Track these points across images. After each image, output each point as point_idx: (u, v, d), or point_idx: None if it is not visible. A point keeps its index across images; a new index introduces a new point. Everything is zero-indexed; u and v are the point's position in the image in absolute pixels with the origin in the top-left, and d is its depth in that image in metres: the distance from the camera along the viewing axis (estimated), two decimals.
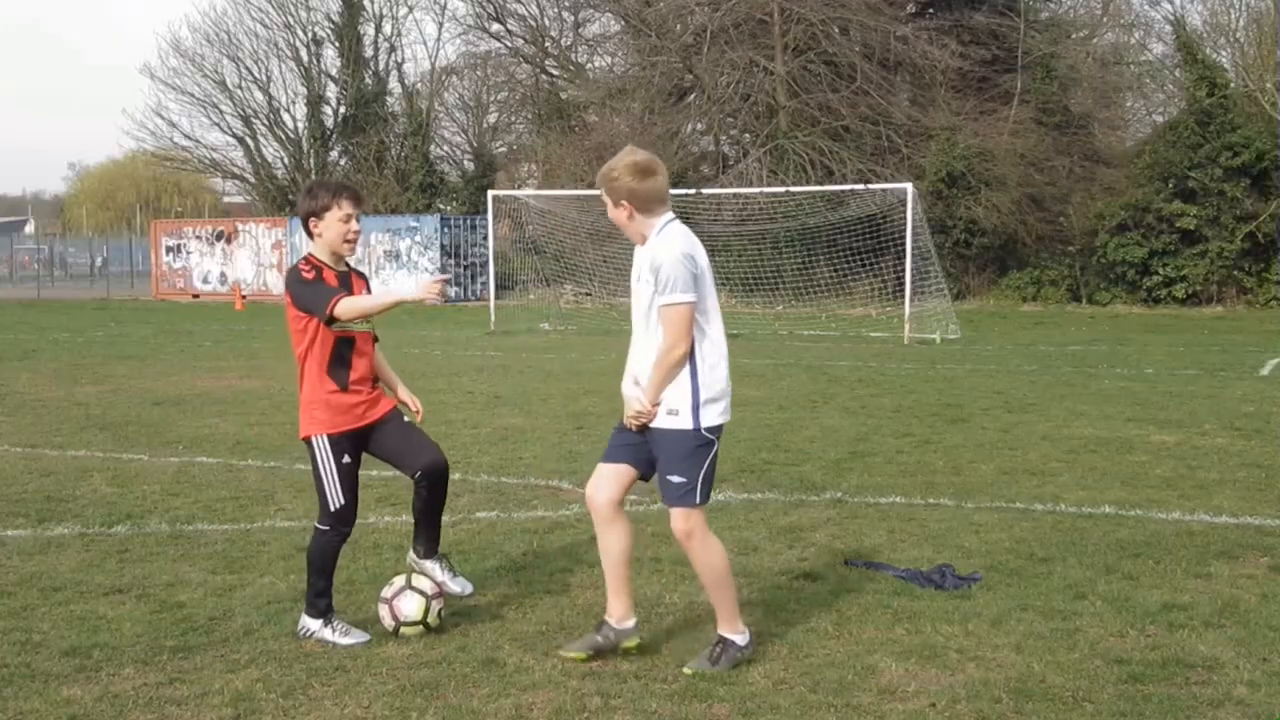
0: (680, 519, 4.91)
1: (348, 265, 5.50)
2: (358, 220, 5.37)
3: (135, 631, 5.36)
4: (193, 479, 8.84)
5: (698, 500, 4.90)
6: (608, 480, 5.03)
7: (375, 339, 5.51)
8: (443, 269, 38.12)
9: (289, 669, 4.92)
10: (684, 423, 4.86)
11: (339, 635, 5.24)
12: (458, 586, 5.55)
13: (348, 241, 5.35)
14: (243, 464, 9.48)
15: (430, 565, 5.53)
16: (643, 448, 4.99)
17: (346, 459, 5.31)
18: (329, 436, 5.29)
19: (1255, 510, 7.69)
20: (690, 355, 4.85)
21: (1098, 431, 11.00)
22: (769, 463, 9.44)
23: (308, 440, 5.35)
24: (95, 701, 4.57)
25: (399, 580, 5.39)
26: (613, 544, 5.03)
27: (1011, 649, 5.09)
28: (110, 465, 9.40)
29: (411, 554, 5.61)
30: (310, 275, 5.28)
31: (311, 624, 5.29)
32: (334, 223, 5.31)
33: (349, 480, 5.32)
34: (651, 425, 4.91)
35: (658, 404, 4.87)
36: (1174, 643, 5.14)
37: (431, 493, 5.45)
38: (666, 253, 4.81)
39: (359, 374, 5.38)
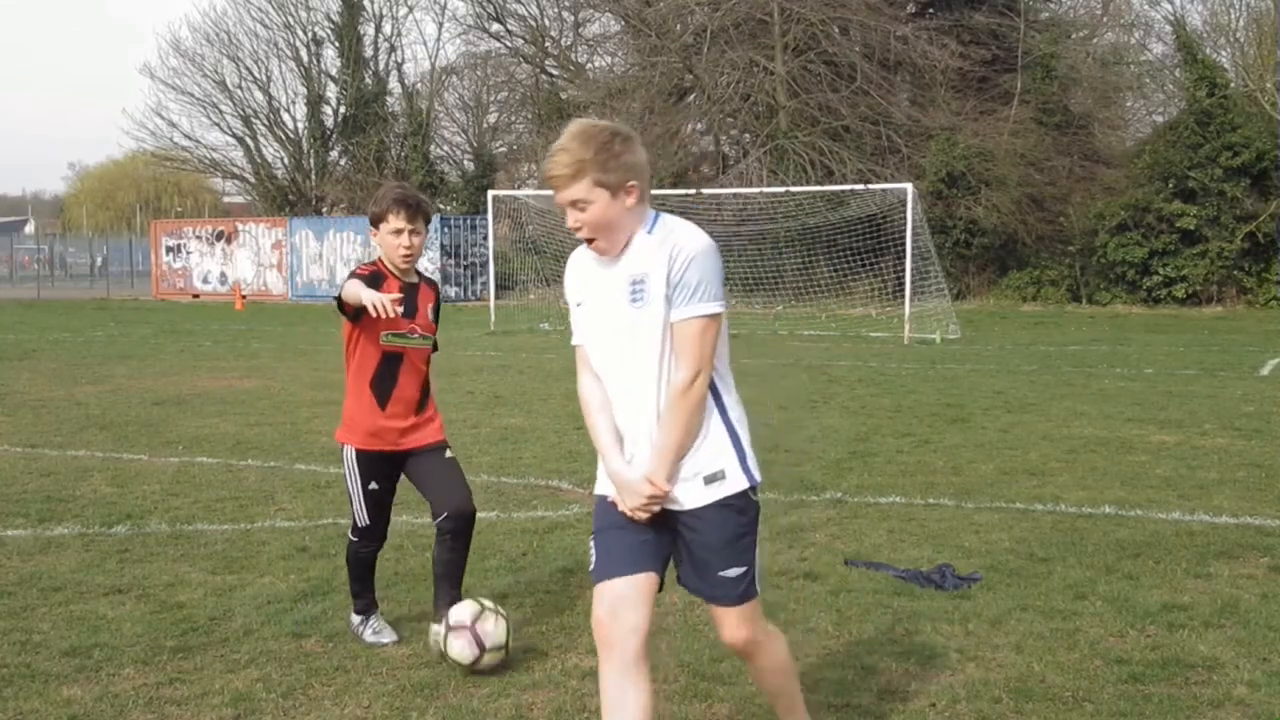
0: (743, 622, 3.55)
1: (419, 275, 5.26)
2: (415, 235, 5.07)
3: (135, 631, 5.36)
4: (193, 479, 8.84)
5: (759, 588, 3.58)
6: (633, 601, 3.43)
7: (433, 351, 5.29)
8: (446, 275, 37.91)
9: (289, 669, 4.91)
10: (735, 485, 3.48)
11: (368, 632, 5.25)
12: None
13: (401, 255, 5.09)
14: (243, 464, 9.47)
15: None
16: (663, 541, 3.53)
17: (374, 485, 5.12)
18: (357, 451, 5.12)
19: (1255, 510, 7.69)
20: (712, 385, 3.48)
21: (1098, 431, 11.00)
22: (769, 463, 9.35)
23: (341, 446, 5.22)
24: (95, 701, 4.57)
25: (467, 607, 4.91)
26: (633, 701, 3.39)
27: (1011, 649, 5.09)
28: (110, 465, 9.39)
29: (435, 628, 5.00)
30: (362, 272, 5.07)
31: (354, 618, 5.33)
32: (385, 235, 5.08)
33: (374, 502, 5.15)
34: (682, 508, 3.48)
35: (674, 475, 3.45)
36: (1174, 643, 5.14)
37: (455, 540, 5.09)
38: (696, 242, 3.41)
39: (403, 394, 5.11)
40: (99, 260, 61.07)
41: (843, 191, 30.47)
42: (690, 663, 4.96)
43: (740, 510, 3.49)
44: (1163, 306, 32.63)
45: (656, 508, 3.44)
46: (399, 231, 5.07)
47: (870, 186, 29.46)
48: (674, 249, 3.40)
